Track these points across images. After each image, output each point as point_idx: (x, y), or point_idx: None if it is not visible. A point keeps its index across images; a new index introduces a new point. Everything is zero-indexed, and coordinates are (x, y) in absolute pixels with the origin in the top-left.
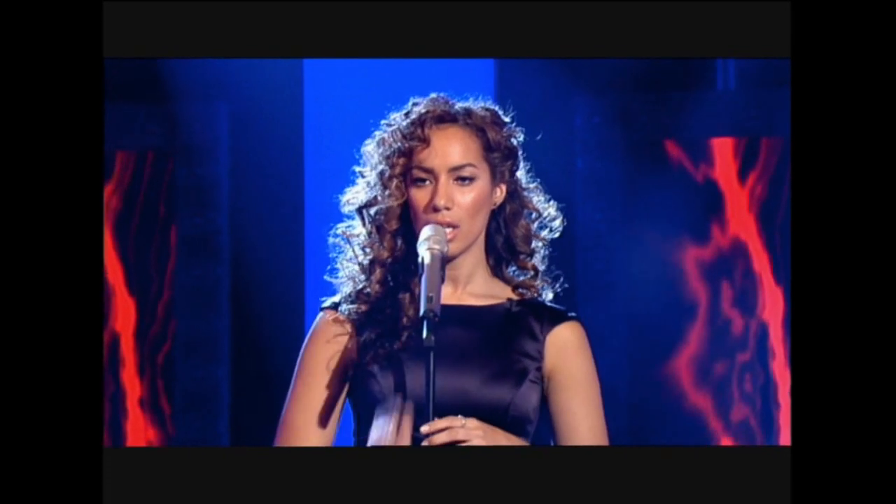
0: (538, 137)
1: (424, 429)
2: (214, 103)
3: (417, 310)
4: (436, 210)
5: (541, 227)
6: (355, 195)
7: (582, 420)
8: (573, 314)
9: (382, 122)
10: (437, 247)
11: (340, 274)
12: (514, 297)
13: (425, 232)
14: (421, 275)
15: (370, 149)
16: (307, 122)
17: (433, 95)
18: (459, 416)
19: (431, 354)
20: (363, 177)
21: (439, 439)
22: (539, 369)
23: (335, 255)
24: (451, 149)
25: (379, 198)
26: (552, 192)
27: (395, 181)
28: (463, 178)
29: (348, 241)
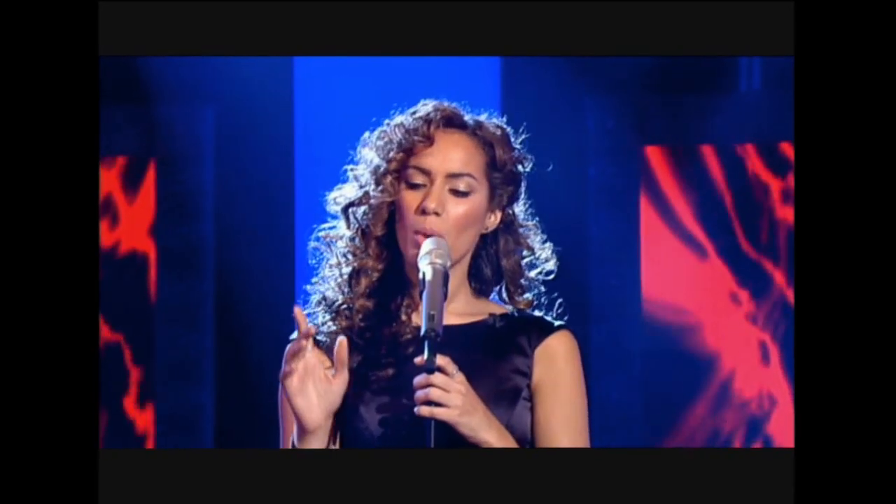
0: (546, 141)
1: (418, 360)
2: (198, 105)
3: (400, 331)
4: (424, 213)
5: (531, 266)
6: (342, 193)
7: (562, 432)
8: (561, 323)
9: (386, 121)
10: (439, 261)
11: (320, 286)
12: (497, 311)
13: (426, 245)
14: (421, 291)
15: (367, 147)
16: (297, 125)
17: (442, 103)
18: (455, 371)
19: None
20: (355, 177)
21: (420, 395)
22: (529, 386)
23: (314, 262)
24: (453, 154)
25: (369, 195)
26: (561, 201)
27: (388, 177)
28: (458, 191)
29: (329, 246)
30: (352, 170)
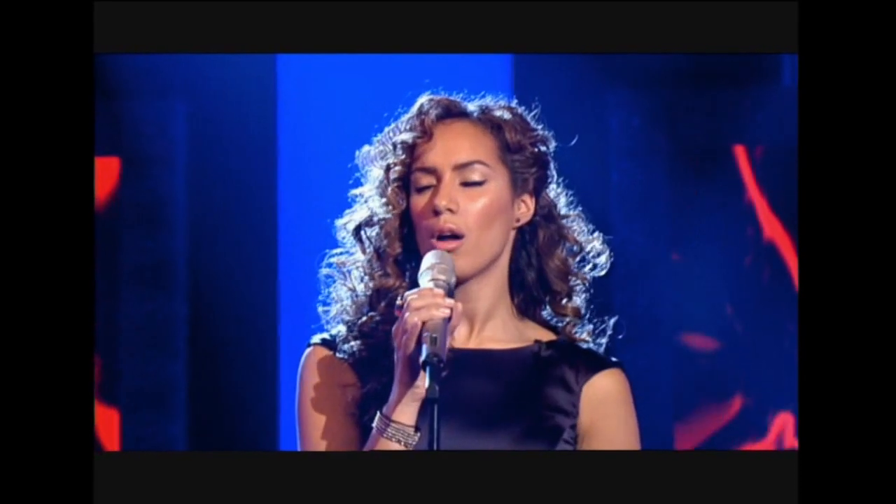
0: (562, 141)
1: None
2: (169, 102)
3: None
4: (436, 213)
5: (581, 263)
6: (352, 218)
7: None
8: (615, 360)
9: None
10: (441, 277)
11: (334, 307)
12: (544, 338)
13: (428, 259)
14: None
15: (369, 164)
16: (281, 126)
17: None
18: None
19: (435, 408)
20: (364, 198)
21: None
22: (574, 427)
23: (327, 294)
24: (456, 144)
25: (377, 212)
26: (582, 205)
27: (391, 187)
28: (470, 182)
29: (344, 274)
30: (358, 193)
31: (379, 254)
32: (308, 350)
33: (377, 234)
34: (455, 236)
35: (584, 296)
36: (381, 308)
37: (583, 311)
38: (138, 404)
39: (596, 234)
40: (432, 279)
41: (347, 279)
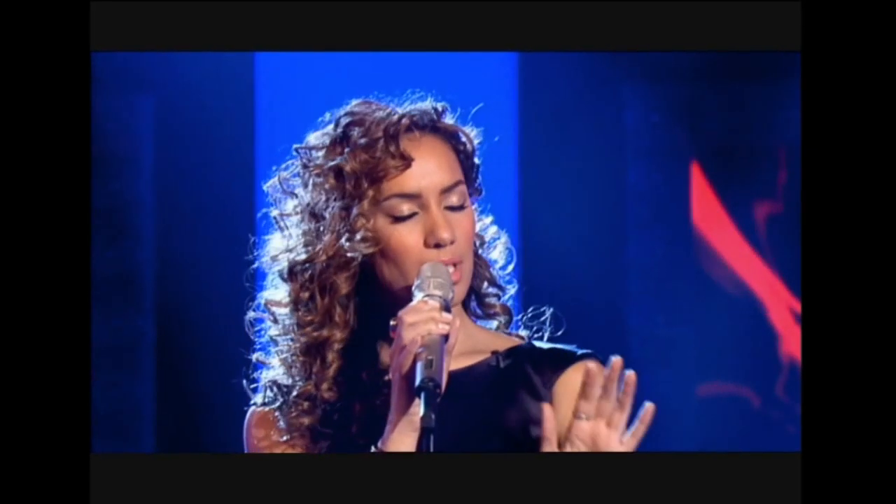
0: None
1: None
2: (136, 96)
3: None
4: (437, 246)
5: (492, 260)
6: (286, 249)
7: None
8: (583, 352)
9: (297, 146)
10: (438, 292)
11: (273, 367)
12: (502, 345)
13: (423, 272)
14: None
15: (303, 185)
16: (259, 126)
17: (358, 102)
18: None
19: (431, 438)
20: (284, 222)
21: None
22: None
23: (255, 335)
24: (435, 164)
25: (335, 246)
26: (595, 212)
27: (362, 221)
28: (454, 206)
29: (277, 320)
30: (279, 215)
31: (324, 291)
32: (249, 412)
33: (325, 268)
34: (452, 264)
35: (507, 295)
36: (320, 372)
37: (511, 311)
38: (103, 429)
39: (493, 225)
40: (428, 295)
41: (279, 326)
